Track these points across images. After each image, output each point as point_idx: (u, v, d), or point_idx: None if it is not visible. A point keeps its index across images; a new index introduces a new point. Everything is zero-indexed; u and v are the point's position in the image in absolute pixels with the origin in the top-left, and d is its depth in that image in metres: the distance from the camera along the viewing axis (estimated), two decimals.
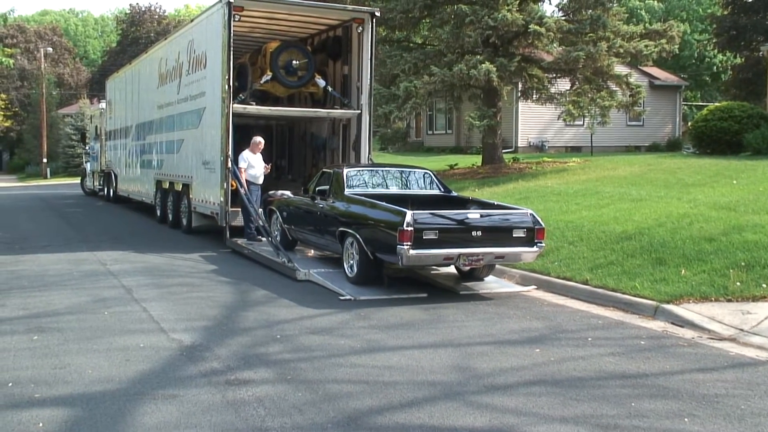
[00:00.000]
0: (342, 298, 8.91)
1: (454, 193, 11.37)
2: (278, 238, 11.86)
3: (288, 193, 12.35)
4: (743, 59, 37.71)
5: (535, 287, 9.73)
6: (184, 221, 15.42)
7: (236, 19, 12.94)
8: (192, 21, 15.60)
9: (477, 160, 24.94)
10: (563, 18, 21.49)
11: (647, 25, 24.67)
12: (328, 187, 10.67)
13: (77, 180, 33.71)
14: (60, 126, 53.70)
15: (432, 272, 10.59)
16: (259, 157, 13.37)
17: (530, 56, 21.67)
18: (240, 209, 13.06)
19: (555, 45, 21.58)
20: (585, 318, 8.13)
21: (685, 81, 40.85)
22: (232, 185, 13.10)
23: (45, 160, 50.31)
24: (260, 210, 12.78)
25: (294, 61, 14.61)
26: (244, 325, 7.62)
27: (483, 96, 21.77)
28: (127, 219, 18.85)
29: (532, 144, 33.32)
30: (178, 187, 15.82)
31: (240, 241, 12.84)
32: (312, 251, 12.01)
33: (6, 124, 58.55)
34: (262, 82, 14.63)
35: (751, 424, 5.00)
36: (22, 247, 13.45)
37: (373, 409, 5.20)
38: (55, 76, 66.31)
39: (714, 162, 18.70)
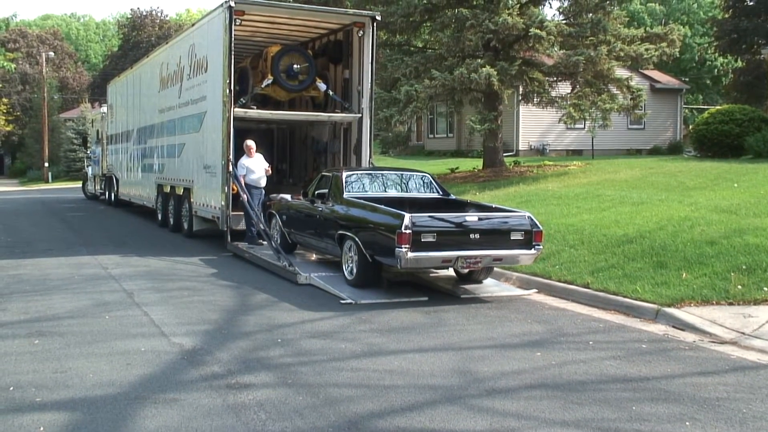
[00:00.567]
0: (343, 301, 8.91)
1: (453, 196, 11.38)
2: (278, 242, 11.87)
3: (287, 196, 12.37)
4: (744, 62, 37.73)
5: (536, 290, 9.72)
6: (185, 225, 15.43)
7: (237, 23, 12.97)
8: (193, 25, 15.63)
9: (478, 163, 24.94)
10: (564, 22, 21.54)
11: (648, 28, 24.72)
12: (327, 190, 10.70)
13: (79, 184, 33.77)
14: (61, 130, 53.79)
15: (431, 275, 10.60)
16: (257, 160, 13.33)
17: (531, 60, 21.69)
18: (242, 213, 13.07)
19: (556, 48, 21.60)
20: (586, 321, 8.12)
21: (686, 84, 40.83)
22: (233, 189, 13.12)
23: (46, 165, 50.38)
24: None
25: (295, 65, 14.63)
26: (244, 329, 7.62)
27: (484, 100, 21.78)
28: (129, 223, 18.86)
29: (533, 147, 33.32)
30: (179, 191, 15.83)
31: (241, 244, 12.85)
32: (314, 255, 12.02)
33: (8, 129, 58.57)
34: (263, 86, 14.65)
35: (753, 427, 4.99)
36: (24, 251, 13.47)
37: (374, 413, 5.20)
38: (56, 80, 66.45)
39: (715, 165, 18.70)
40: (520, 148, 32.87)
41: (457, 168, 24.93)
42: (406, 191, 11.08)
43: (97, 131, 26.66)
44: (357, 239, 9.36)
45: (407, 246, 8.48)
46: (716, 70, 51.30)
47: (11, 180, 57.32)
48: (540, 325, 7.94)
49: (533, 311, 8.62)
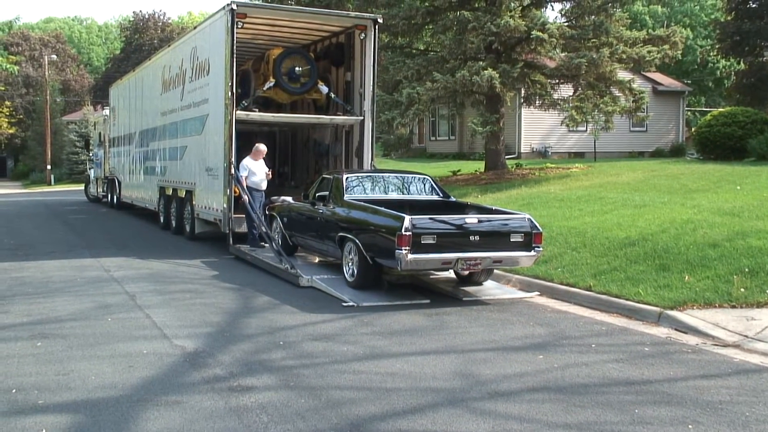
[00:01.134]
0: (345, 304, 8.91)
1: (453, 199, 11.39)
2: (279, 244, 11.88)
3: (289, 199, 12.38)
4: (747, 65, 37.65)
5: (538, 293, 9.71)
6: (188, 228, 15.44)
7: (239, 26, 12.99)
8: (195, 28, 15.65)
9: (480, 166, 24.92)
10: (566, 24, 21.53)
11: (650, 30, 24.66)
12: (327, 192, 10.72)
13: (81, 187, 33.82)
14: (64, 133, 53.90)
15: (431, 277, 10.60)
16: (260, 163, 13.35)
17: (533, 62, 21.69)
18: (243, 215, 13.08)
19: (558, 51, 21.59)
20: (588, 324, 8.11)
21: (688, 86, 40.81)
22: (235, 192, 13.13)
23: (49, 167, 50.48)
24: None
25: (297, 68, 14.65)
26: (246, 332, 7.62)
27: (486, 102, 21.78)
28: (131, 225, 18.88)
29: (535, 150, 33.31)
30: (182, 194, 15.85)
31: (243, 247, 12.86)
32: (317, 258, 12.03)
33: (10, 131, 58.77)
34: (265, 88, 14.67)
35: (756, 431, 4.98)
36: (27, 253, 13.49)
37: (375, 415, 5.19)
38: (59, 83, 66.60)
39: (718, 168, 18.68)
40: (522, 151, 32.87)
41: (458, 170, 24.91)
42: (407, 194, 11.09)
43: (100, 134, 26.71)
44: (357, 241, 9.38)
45: (407, 248, 8.50)
46: (719, 73, 51.21)
47: (14, 182, 57.42)
48: (542, 327, 7.93)
49: (535, 314, 8.61)
